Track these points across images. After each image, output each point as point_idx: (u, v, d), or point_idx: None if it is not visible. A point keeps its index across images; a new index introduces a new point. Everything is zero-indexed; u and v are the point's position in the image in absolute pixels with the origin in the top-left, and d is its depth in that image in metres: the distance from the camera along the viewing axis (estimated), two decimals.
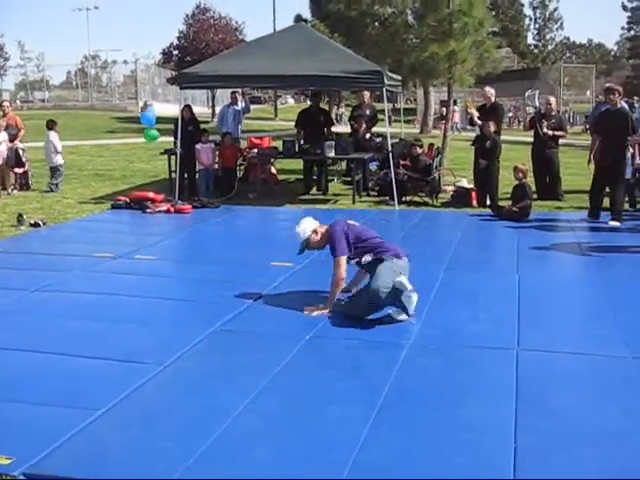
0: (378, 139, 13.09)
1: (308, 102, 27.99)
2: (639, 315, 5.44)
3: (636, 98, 22.93)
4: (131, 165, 17.58)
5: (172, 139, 12.41)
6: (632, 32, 64.98)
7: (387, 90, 11.35)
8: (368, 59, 13.12)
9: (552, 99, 12.02)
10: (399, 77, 14.05)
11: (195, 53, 35.04)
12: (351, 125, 13.82)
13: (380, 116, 14.53)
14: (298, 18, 33.18)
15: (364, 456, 3.33)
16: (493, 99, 11.68)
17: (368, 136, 12.93)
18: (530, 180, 10.56)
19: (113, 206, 10.81)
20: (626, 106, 10.43)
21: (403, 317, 5.29)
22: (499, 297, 6.00)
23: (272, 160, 12.81)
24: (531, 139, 11.90)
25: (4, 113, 13.04)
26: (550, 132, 11.25)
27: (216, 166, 12.37)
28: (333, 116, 21.93)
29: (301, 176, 13.32)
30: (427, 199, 11.42)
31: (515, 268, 7.00)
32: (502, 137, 11.48)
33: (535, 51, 71.44)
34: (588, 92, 41.17)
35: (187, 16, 39.70)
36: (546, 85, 35.59)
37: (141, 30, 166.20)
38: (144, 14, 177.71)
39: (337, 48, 12.65)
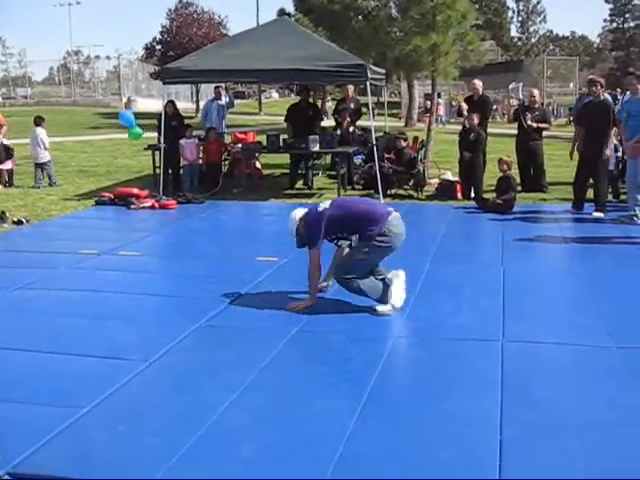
0: (361, 132, 13.10)
1: (293, 96, 27.97)
2: (622, 306, 5.49)
3: (619, 90, 23.04)
4: (115, 161, 17.45)
5: (156, 135, 12.35)
6: (614, 24, 65.42)
7: (371, 84, 11.35)
8: (352, 52, 13.11)
9: (536, 91, 12.07)
10: (383, 70, 14.07)
11: (178, 48, 34.90)
12: (335, 119, 13.83)
13: (364, 109, 14.53)
14: (281, 12, 33.20)
15: (350, 449, 3.33)
16: (481, 91, 11.72)
17: (352, 129, 12.94)
18: (515, 172, 10.60)
19: (97, 202, 10.74)
20: (609, 98, 10.48)
21: (387, 309, 5.29)
22: (484, 289, 6.02)
23: (257, 155, 12.79)
24: (515, 131, 11.95)
25: None
26: (534, 124, 11.30)
27: (200, 161, 12.34)
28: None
29: (286, 170, 13.30)
30: (412, 192, 11.44)
31: (500, 260, 7.04)
32: (487, 129, 11.52)
33: (518, 44, 71.81)
34: (571, 84, 41.43)
35: (170, 10, 39.69)
36: (530, 77, 35.70)
37: (123, 25, 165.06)
38: (126, 9, 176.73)
39: (320, 42, 12.63)
